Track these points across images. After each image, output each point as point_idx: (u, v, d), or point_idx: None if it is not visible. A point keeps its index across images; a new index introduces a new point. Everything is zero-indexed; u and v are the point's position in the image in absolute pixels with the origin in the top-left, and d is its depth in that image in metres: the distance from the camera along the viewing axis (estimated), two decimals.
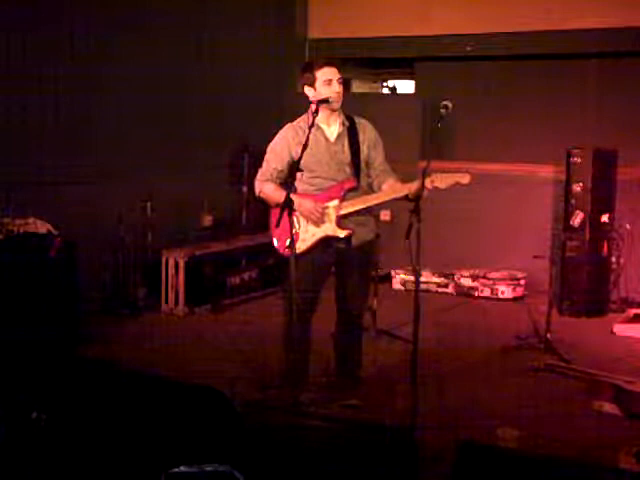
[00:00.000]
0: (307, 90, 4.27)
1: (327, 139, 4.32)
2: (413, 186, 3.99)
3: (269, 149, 4.41)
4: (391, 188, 4.23)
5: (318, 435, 3.13)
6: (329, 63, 4.22)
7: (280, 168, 4.34)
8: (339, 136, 4.33)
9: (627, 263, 6.87)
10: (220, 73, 7.39)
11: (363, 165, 4.34)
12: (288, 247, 4.13)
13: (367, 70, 9.38)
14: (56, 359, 3.89)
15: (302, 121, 4.33)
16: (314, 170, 4.28)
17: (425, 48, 8.07)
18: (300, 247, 4.20)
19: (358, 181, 4.31)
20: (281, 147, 4.34)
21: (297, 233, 4.20)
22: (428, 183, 3.97)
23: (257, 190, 4.42)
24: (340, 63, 4.30)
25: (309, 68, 4.28)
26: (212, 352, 5.46)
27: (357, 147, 4.32)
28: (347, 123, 4.35)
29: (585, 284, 6.69)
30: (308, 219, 4.27)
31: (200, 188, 7.08)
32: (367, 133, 4.37)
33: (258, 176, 4.42)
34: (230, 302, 6.78)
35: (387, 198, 4.26)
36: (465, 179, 4.04)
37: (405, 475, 2.99)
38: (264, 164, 4.41)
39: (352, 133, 4.33)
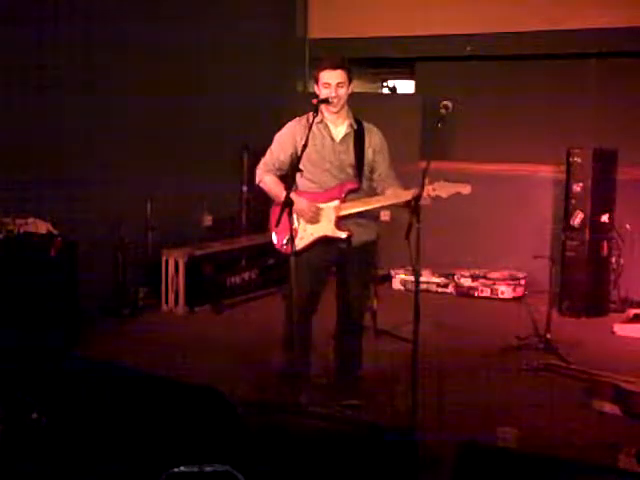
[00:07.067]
0: (315, 88, 4.31)
1: (333, 138, 4.33)
2: (415, 192, 3.99)
3: (275, 139, 4.42)
4: (394, 193, 4.23)
5: (318, 435, 3.13)
6: (331, 66, 4.22)
7: (282, 159, 4.35)
8: (345, 137, 4.34)
9: (627, 263, 6.87)
10: (220, 73, 7.39)
11: (367, 169, 4.35)
12: (286, 244, 4.16)
13: (367, 70, 9.39)
14: (56, 359, 3.89)
15: (310, 117, 4.33)
16: (316, 166, 4.30)
17: (425, 48, 8.09)
18: (298, 245, 4.19)
19: (360, 183, 4.32)
20: (286, 139, 4.36)
21: (296, 230, 4.21)
22: (430, 191, 3.98)
23: (257, 179, 4.44)
24: (348, 65, 4.28)
25: (315, 67, 4.33)
26: (212, 352, 5.46)
27: (362, 150, 4.33)
28: (355, 126, 4.36)
29: (585, 284, 6.69)
30: (303, 218, 4.28)
31: (200, 188, 7.08)
32: (373, 138, 4.38)
33: (260, 164, 4.44)
34: (230, 302, 6.78)
35: (388, 202, 4.28)
36: (466, 189, 4.05)
37: (405, 475, 2.99)
38: (268, 154, 4.42)
39: (359, 136, 4.35)
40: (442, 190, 4.02)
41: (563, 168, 6.83)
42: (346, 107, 4.34)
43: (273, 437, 3.13)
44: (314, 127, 4.18)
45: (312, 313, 4.42)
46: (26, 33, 5.68)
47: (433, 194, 4.00)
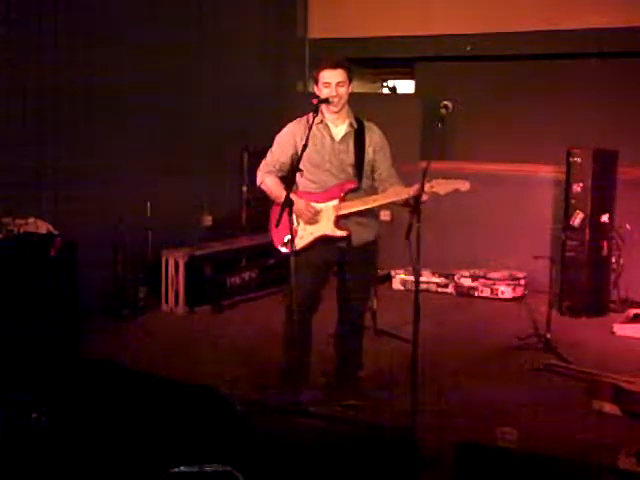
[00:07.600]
0: (315, 88, 4.30)
1: (333, 138, 4.33)
2: (414, 190, 4.00)
3: (275, 141, 4.43)
4: (392, 191, 4.24)
5: (318, 435, 3.14)
6: (331, 66, 4.21)
7: (283, 160, 4.36)
8: (345, 136, 4.34)
9: (627, 263, 6.87)
10: (220, 73, 7.39)
11: (368, 168, 4.35)
12: (285, 244, 4.16)
13: (367, 70, 9.39)
14: (56, 359, 3.89)
15: (310, 117, 4.34)
16: (317, 167, 4.30)
17: (425, 48, 8.08)
18: (297, 244, 4.19)
19: (359, 182, 4.31)
20: (286, 140, 4.36)
21: (296, 230, 4.21)
22: (427, 188, 3.97)
23: (258, 180, 4.44)
24: (348, 64, 4.29)
25: (315, 67, 4.33)
26: (212, 352, 5.46)
27: (362, 149, 4.33)
28: (355, 125, 4.36)
29: (585, 284, 6.69)
30: (301, 218, 4.28)
31: (200, 188, 7.07)
32: (374, 137, 4.38)
33: (261, 166, 4.44)
34: (230, 302, 6.77)
35: (387, 201, 4.27)
36: (465, 186, 4.04)
37: (405, 475, 2.99)
38: (268, 155, 4.43)
39: (359, 135, 4.35)
40: (440, 187, 4.02)
41: (563, 168, 6.83)
42: (346, 107, 4.34)
43: (273, 437, 3.13)
44: (314, 127, 4.18)
45: (312, 313, 4.42)
46: (26, 33, 5.68)
47: (430, 191, 4.00)
